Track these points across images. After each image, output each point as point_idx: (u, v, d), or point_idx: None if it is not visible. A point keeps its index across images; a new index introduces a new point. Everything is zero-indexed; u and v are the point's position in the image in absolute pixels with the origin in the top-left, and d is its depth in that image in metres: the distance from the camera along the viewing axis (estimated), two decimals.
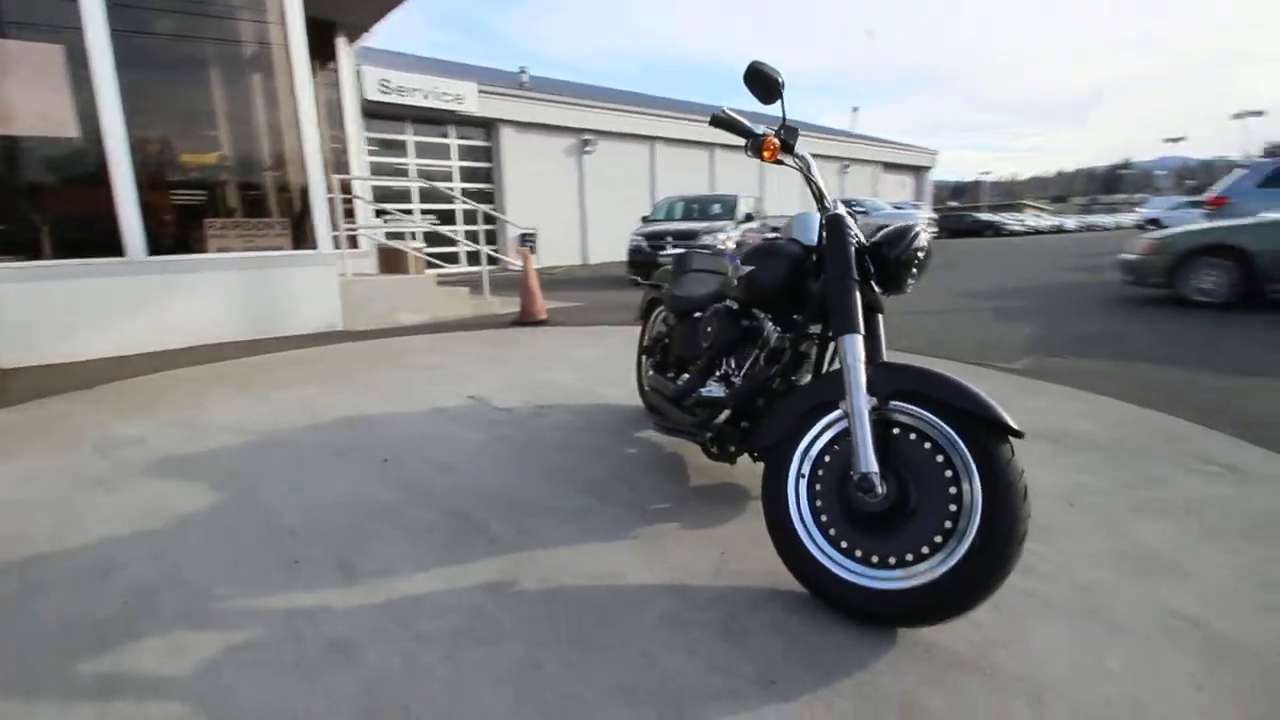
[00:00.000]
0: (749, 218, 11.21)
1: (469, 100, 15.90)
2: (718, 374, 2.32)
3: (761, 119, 1.98)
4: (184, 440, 3.02)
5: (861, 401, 1.58)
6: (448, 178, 16.33)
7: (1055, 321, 5.87)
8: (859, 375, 1.61)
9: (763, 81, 1.77)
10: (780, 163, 1.86)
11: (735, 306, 2.20)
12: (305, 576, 1.82)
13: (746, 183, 22.16)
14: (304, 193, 5.64)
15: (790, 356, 1.99)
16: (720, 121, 1.88)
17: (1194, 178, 74.05)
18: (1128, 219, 45.98)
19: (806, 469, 1.72)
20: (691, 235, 10.26)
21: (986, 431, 1.48)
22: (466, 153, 16.79)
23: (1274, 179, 8.52)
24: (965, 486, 1.48)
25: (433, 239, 12.24)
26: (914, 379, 1.59)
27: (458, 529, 2.08)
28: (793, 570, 1.67)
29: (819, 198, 1.87)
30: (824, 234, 1.83)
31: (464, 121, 16.35)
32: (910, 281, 1.82)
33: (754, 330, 2.12)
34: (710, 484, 2.40)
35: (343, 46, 8.76)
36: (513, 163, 17.07)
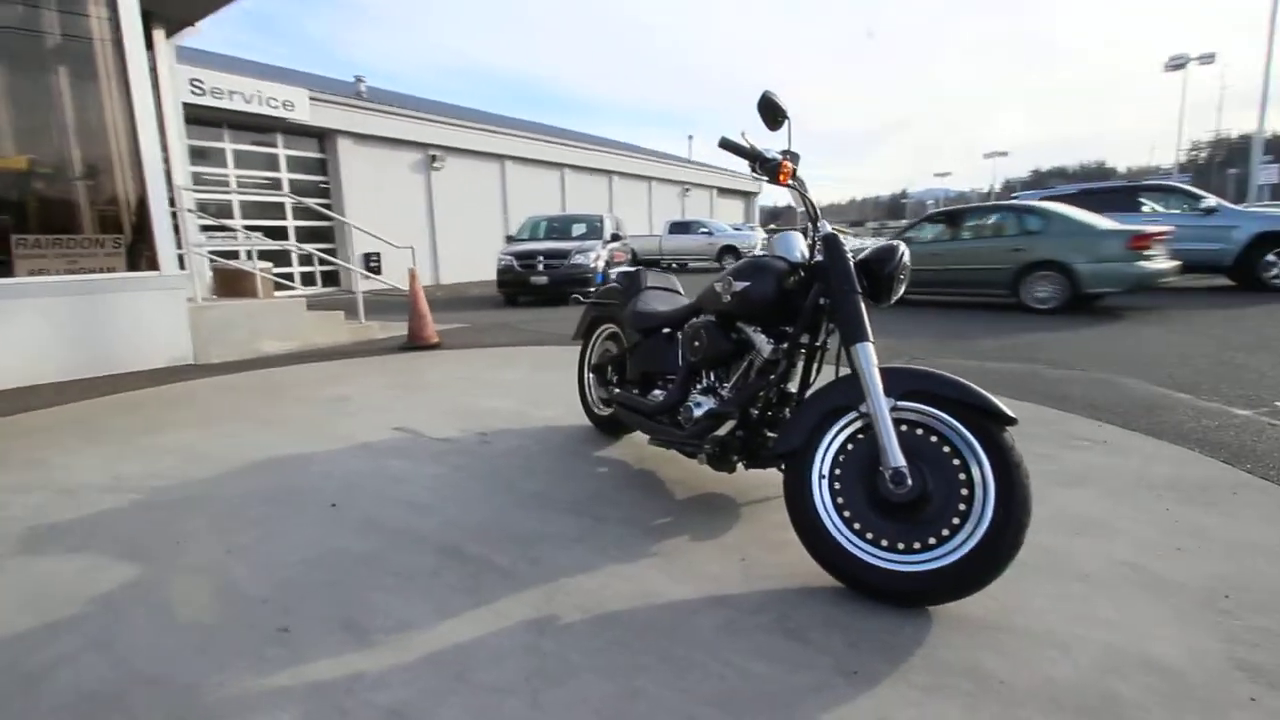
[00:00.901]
0: (615, 237, 11.48)
1: (300, 107, 14.57)
2: (699, 386, 2.40)
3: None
4: (49, 507, 2.47)
5: (882, 403, 1.74)
6: (276, 190, 14.79)
7: (907, 329, 6.72)
8: (876, 379, 1.77)
9: (772, 110, 1.90)
10: (789, 185, 2.00)
11: (717, 320, 2.29)
12: (307, 645, 1.59)
13: (597, 203, 22.64)
14: (141, 205, 4.84)
15: (785, 366, 2.11)
16: (730, 145, 1.98)
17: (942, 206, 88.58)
18: None
19: (827, 469, 1.85)
20: (563, 255, 10.28)
21: (987, 421, 1.70)
22: (297, 164, 15.36)
23: None
24: (975, 472, 1.69)
25: (270, 257, 11.01)
26: (920, 380, 1.78)
27: (463, 569, 1.93)
28: (825, 565, 1.79)
29: (814, 218, 2.02)
30: (822, 251, 1.98)
31: (294, 130, 14.96)
32: (896, 294, 2.04)
33: (745, 343, 2.22)
34: (695, 495, 2.46)
35: (160, 41, 7.66)
36: (353, 178, 15.90)
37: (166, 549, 2.10)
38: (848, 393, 1.83)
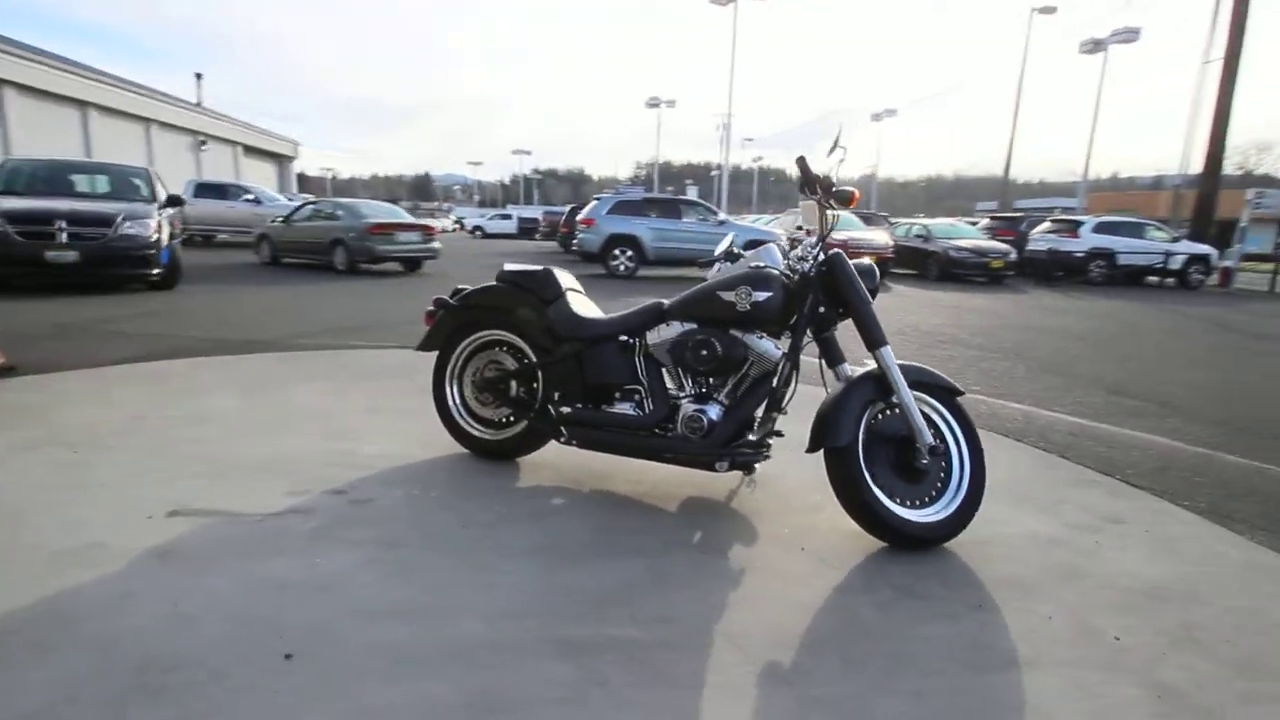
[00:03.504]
0: (174, 201, 8.64)
1: None
2: (686, 394, 2.38)
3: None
4: None
5: (909, 394, 2.18)
6: None
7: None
8: (899, 374, 2.19)
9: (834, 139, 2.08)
10: (843, 210, 2.19)
11: (723, 329, 2.32)
12: None
13: (133, 155, 16.49)
14: None
15: (789, 369, 2.33)
16: (804, 168, 2.08)
17: (479, 194, 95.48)
18: (446, 222, 55.81)
19: (863, 453, 2.20)
20: (104, 221, 7.20)
21: (950, 396, 2.32)
22: None
23: (617, 209, 12.56)
24: (950, 439, 2.29)
25: None
26: (914, 373, 2.28)
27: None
28: (877, 533, 2.15)
29: (823, 237, 2.28)
30: (824, 266, 2.26)
31: None
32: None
33: (750, 349, 2.31)
34: (698, 512, 2.44)
35: None
36: None
37: None
38: (877, 387, 2.20)
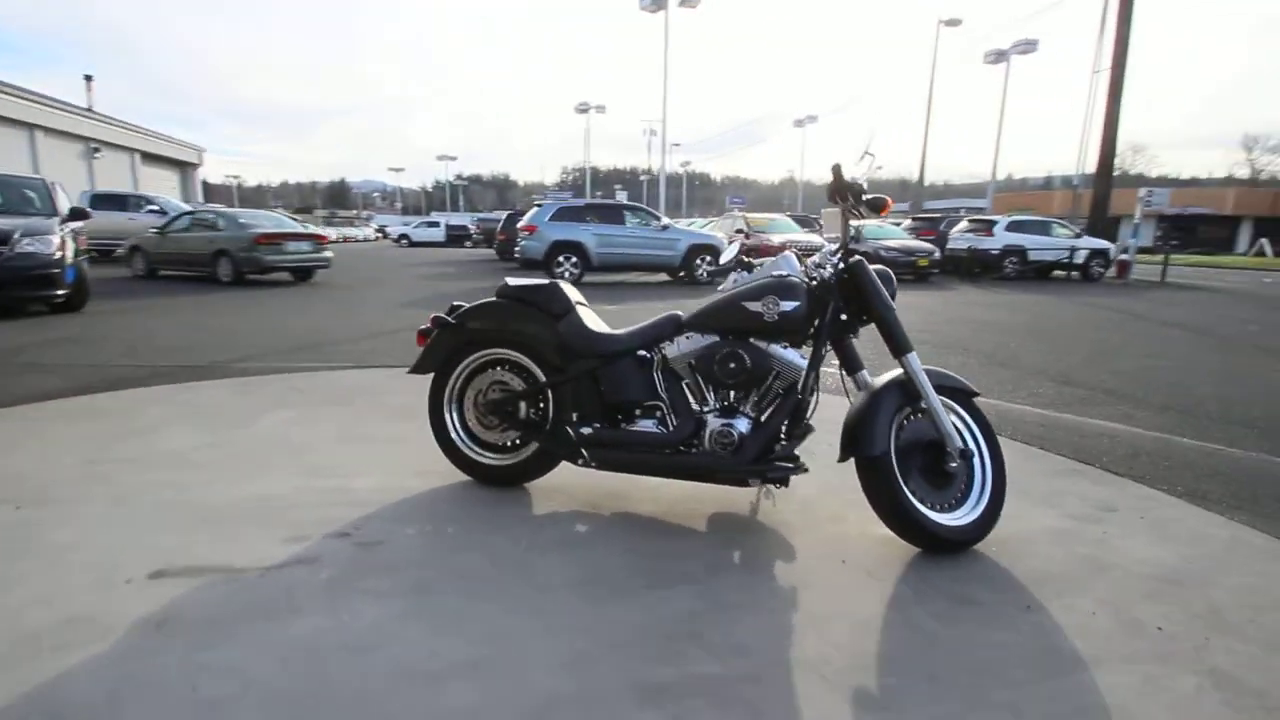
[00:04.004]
0: (77, 214, 7.84)
1: None
2: (710, 408, 2.32)
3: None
4: None
5: (937, 400, 2.21)
6: None
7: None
8: (926, 380, 2.21)
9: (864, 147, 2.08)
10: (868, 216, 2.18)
11: (749, 340, 2.27)
12: None
13: (17, 164, 14.87)
14: None
15: (814, 378, 2.30)
16: (839, 175, 2.06)
17: (401, 200, 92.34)
18: (367, 231, 53.83)
19: (895, 460, 2.20)
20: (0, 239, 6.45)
21: (969, 399, 2.36)
22: None
23: (560, 215, 12.39)
24: (971, 442, 2.33)
25: None
26: (935, 377, 2.31)
27: None
28: (912, 540, 2.16)
29: (844, 244, 2.27)
30: (844, 273, 2.25)
31: None
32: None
33: (776, 360, 2.27)
34: (728, 528, 2.38)
35: None
36: None
37: None
38: (904, 393, 2.21)
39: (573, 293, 2.56)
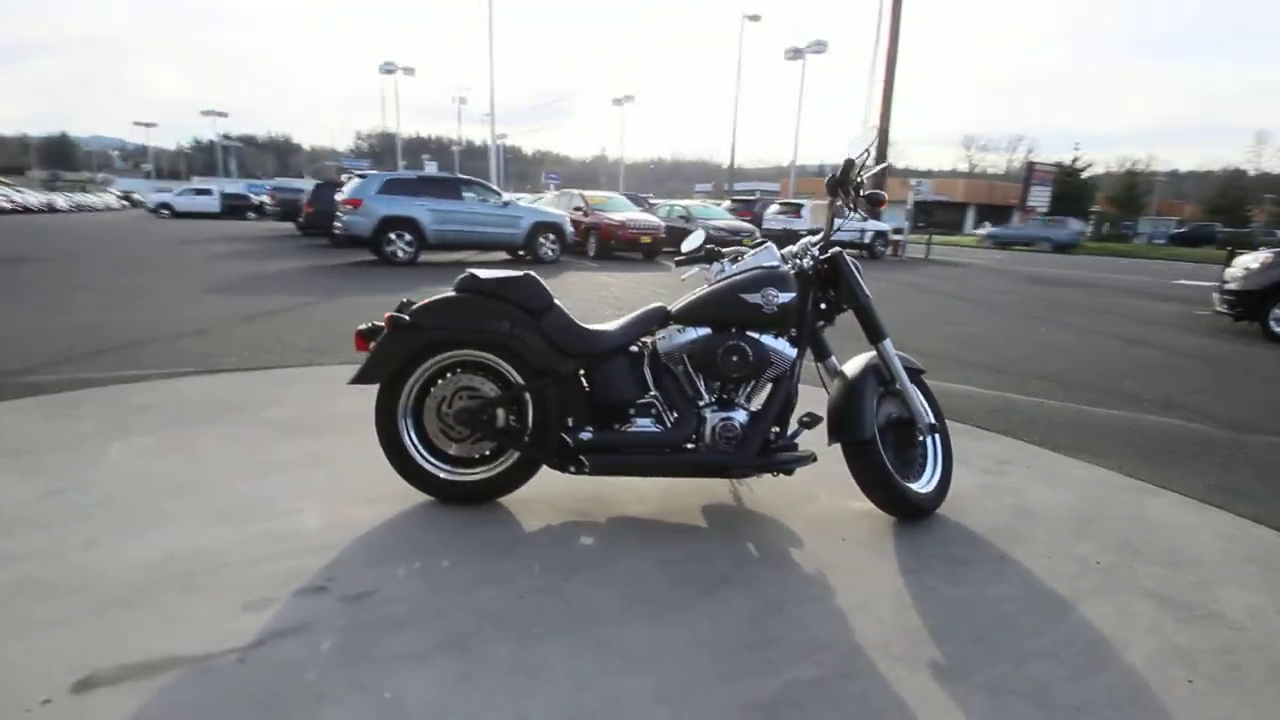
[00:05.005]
0: None
1: None
2: (706, 402, 2.30)
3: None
4: None
5: (909, 381, 2.41)
6: None
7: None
8: (899, 365, 2.40)
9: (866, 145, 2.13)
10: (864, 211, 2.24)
11: (745, 332, 2.26)
12: None
13: None
14: None
15: (800, 368, 2.38)
16: (849, 168, 2.11)
17: (151, 163, 77.30)
18: (108, 199, 44.75)
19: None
20: None
21: (917, 375, 2.60)
22: None
23: (389, 187, 11.28)
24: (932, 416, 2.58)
25: None
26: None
27: None
28: (894, 511, 2.36)
29: (827, 236, 2.35)
30: (830, 264, 2.35)
31: None
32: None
33: (770, 350, 2.29)
34: (726, 520, 2.36)
35: None
36: None
37: None
38: (880, 377, 2.38)
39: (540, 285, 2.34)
